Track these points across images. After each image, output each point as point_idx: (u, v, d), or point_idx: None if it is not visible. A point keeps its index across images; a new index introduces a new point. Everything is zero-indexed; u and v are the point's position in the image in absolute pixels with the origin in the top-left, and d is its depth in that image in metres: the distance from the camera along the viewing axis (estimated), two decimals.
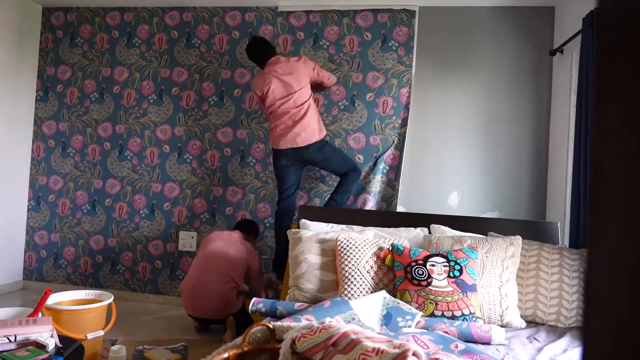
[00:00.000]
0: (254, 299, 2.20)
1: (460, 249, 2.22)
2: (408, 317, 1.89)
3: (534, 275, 2.26)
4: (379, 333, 1.65)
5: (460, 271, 2.11)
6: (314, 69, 3.16)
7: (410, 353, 1.16)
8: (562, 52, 3.15)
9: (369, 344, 1.22)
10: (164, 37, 3.83)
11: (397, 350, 1.18)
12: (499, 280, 2.19)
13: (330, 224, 2.65)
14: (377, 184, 3.40)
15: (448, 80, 3.48)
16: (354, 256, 2.23)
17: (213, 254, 2.94)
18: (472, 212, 3.39)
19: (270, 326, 1.43)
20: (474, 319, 2.02)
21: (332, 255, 2.34)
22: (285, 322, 1.69)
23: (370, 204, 3.36)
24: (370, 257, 2.24)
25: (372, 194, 3.40)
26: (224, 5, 3.74)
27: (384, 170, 3.44)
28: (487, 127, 3.43)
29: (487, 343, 1.86)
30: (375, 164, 3.43)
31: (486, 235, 2.50)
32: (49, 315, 2.20)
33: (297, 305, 2.11)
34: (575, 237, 2.58)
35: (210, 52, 3.76)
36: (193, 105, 3.77)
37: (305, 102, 3.07)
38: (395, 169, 3.44)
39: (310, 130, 3.05)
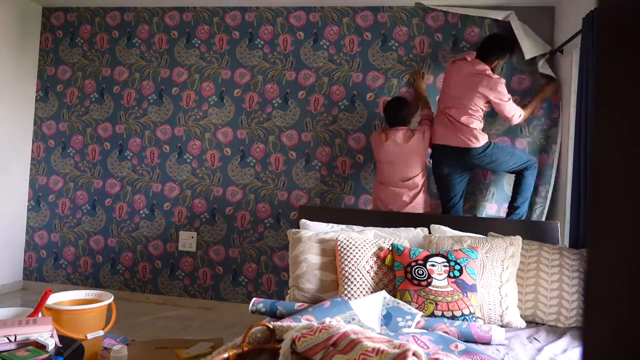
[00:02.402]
0: (254, 299, 2.20)
1: (460, 249, 2.22)
2: (408, 317, 1.90)
3: (534, 275, 2.26)
4: (379, 333, 1.65)
5: (460, 271, 2.11)
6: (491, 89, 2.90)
7: (410, 353, 1.16)
8: (562, 52, 3.14)
9: (369, 344, 1.22)
10: (164, 37, 3.83)
11: (397, 351, 1.18)
12: (499, 280, 2.19)
13: (330, 224, 2.65)
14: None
15: None
16: (354, 256, 2.23)
17: None
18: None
19: (270, 326, 1.43)
20: (474, 319, 2.02)
21: (332, 255, 2.34)
22: (285, 322, 1.69)
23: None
24: (370, 257, 2.24)
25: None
26: (224, 5, 3.74)
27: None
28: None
29: (487, 343, 1.86)
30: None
31: (486, 235, 2.50)
32: (49, 315, 2.20)
33: (297, 305, 2.11)
34: (575, 237, 2.58)
35: (210, 52, 3.76)
36: (193, 105, 3.77)
37: (470, 110, 2.91)
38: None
39: (469, 134, 2.90)
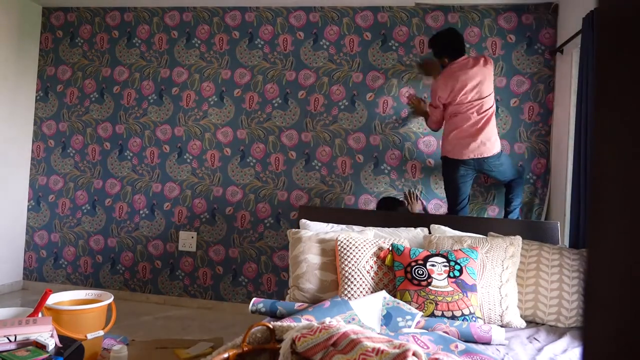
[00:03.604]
0: (254, 299, 2.20)
1: (460, 249, 2.22)
2: (408, 317, 1.89)
3: (534, 275, 2.26)
4: (379, 333, 1.65)
5: (460, 271, 2.11)
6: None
7: (410, 353, 1.16)
8: (562, 52, 3.15)
9: (369, 344, 1.22)
10: (164, 37, 3.83)
11: (397, 350, 1.18)
12: (499, 280, 2.19)
13: (330, 224, 2.65)
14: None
15: None
16: (354, 256, 2.23)
17: None
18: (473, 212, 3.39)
19: (270, 326, 1.43)
20: (474, 319, 2.02)
21: (332, 255, 2.34)
22: (285, 322, 1.69)
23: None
24: (370, 257, 2.24)
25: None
26: (224, 5, 3.74)
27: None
28: None
29: (487, 343, 1.86)
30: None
31: (486, 235, 2.50)
32: (49, 315, 2.20)
33: (297, 305, 2.11)
34: (575, 237, 2.58)
35: (210, 52, 3.76)
36: (193, 105, 3.77)
37: (489, 108, 2.90)
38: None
39: (493, 139, 2.89)
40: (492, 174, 3.02)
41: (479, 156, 2.89)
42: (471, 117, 2.89)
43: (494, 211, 3.36)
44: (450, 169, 3.01)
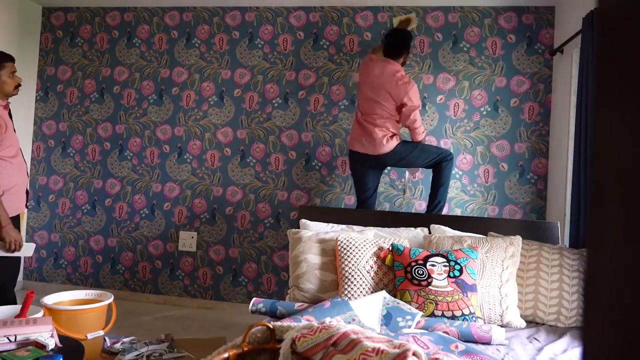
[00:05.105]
0: (254, 299, 2.20)
1: (460, 249, 2.22)
2: (408, 317, 1.89)
3: (534, 275, 2.26)
4: (379, 333, 1.65)
5: (460, 271, 2.11)
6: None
7: (410, 353, 1.16)
8: (562, 52, 3.15)
9: (369, 344, 1.22)
10: (164, 37, 3.83)
11: (397, 350, 1.18)
12: (499, 280, 2.19)
13: (331, 224, 2.65)
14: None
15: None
16: (354, 256, 2.23)
17: None
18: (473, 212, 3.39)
19: (271, 326, 1.43)
20: (474, 319, 2.02)
21: (332, 255, 2.34)
22: (285, 322, 1.69)
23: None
24: (370, 257, 2.24)
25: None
26: (224, 5, 3.74)
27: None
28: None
29: (487, 343, 1.86)
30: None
31: (486, 235, 2.50)
32: (48, 315, 2.20)
33: (297, 305, 2.11)
34: (575, 237, 2.58)
35: (210, 52, 3.76)
36: (193, 105, 3.77)
37: (384, 111, 2.91)
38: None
39: (377, 142, 2.91)
40: (401, 164, 3.03)
41: (364, 152, 2.99)
42: (366, 119, 3.00)
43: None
44: (351, 164, 3.13)
